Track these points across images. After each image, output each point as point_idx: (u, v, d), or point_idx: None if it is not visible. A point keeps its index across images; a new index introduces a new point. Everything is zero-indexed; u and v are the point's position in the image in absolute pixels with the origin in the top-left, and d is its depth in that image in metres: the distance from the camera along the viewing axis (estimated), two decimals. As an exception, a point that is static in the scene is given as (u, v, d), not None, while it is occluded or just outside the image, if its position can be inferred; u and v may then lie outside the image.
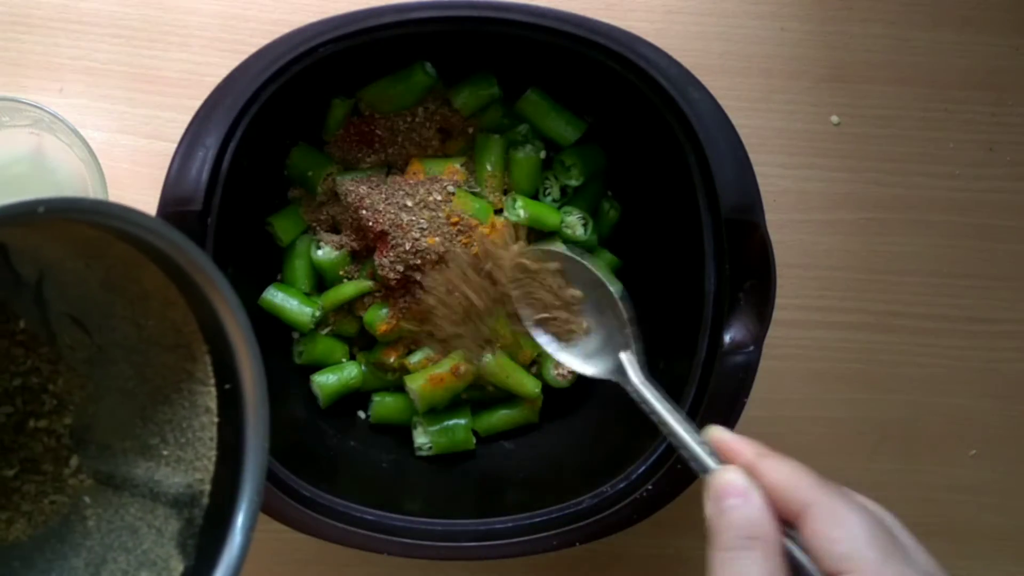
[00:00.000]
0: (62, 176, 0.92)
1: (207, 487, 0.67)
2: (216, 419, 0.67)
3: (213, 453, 0.67)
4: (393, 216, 0.86)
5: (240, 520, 0.64)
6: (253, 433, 0.65)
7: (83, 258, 0.66)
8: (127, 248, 0.63)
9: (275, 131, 0.85)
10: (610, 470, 0.81)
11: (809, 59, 0.99)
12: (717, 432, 0.66)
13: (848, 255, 0.99)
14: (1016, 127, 1.00)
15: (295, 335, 0.93)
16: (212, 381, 0.67)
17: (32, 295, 0.69)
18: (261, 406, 0.65)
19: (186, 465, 0.68)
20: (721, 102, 0.80)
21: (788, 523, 0.60)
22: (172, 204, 0.77)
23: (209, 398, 0.67)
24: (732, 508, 0.59)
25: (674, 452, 0.78)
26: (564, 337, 0.79)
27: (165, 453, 0.68)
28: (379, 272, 0.87)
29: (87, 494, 0.71)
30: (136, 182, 0.95)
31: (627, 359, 0.74)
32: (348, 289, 0.90)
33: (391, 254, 0.86)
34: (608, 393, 0.92)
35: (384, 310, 0.89)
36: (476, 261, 0.83)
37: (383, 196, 0.87)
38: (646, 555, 0.96)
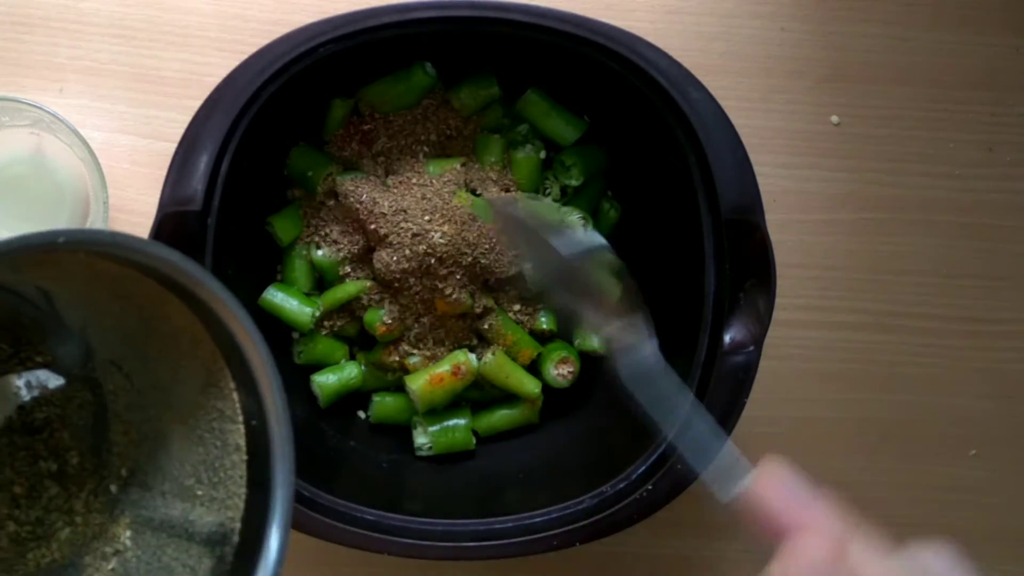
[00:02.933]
0: (62, 176, 0.92)
1: (237, 525, 0.67)
2: (245, 456, 0.67)
3: (243, 491, 0.67)
4: (393, 216, 0.86)
5: (269, 555, 0.64)
6: (280, 468, 0.65)
7: (117, 299, 0.66)
8: (153, 285, 0.63)
9: (275, 131, 0.85)
10: (610, 470, 0.81)
11: (809, 59, 0.99)
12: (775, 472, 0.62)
13: (848, 255, 0.99)
14: (1016, 127, 1.00)
15: (295, 335, 0.93)
16: (241, 418, 0.67)
17: (78, 344, 0.69)
18: (287, 440, 0.64)
19: (219, 504, 0.68)
20: (721, 102, 0.80)
21: None
22: (172, 204, 0.77)
23: (239, 435, 0.67)
24: (804, 548, 0.57)
25: (674, 453, 0.78)
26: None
27: (200, 493, 0.68)
28: (379, 272, 0.87)
29: (128, 537, 0.71)
30: (136, 182, 0.95)
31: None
32: (348, 289, 0.90)
33: (391, 254, 0.86)
34: (608, 393, 0.93)
35: (384, 310, 0.90)
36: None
37: (383, 196, 0.87)
38: (646, 555, 0.96)
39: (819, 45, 0.99)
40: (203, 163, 0.77)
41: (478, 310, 0.90)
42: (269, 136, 0.84)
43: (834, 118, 0.99)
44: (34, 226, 0.92)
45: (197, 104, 0.78)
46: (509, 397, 0.93)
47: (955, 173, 0.99)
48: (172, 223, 0.77)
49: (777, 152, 0.98)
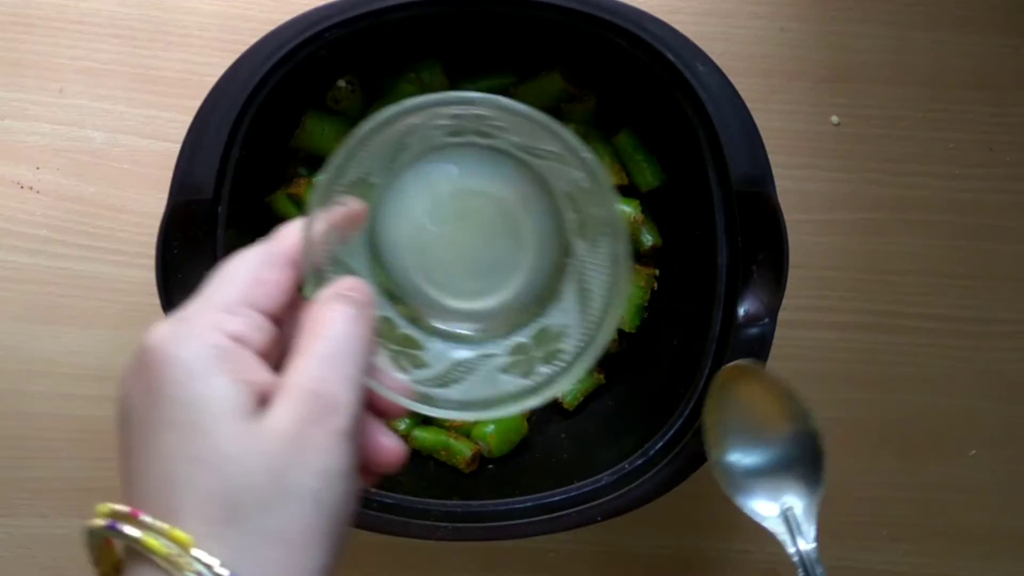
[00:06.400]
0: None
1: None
2: None
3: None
4: None
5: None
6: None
7: None
8: None
9: (283, 117, 0.85)
10: (628, 447, 0.81)
11: (809, 59, 1.00)
12: None
13: (848, 255, 0.99)
14: (1016, 127, 1.00)
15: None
16: None
17: None
18: None
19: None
20: (720, 102, 0.80)
21: None
22: (182, 193, 0.77)
23: None
24: None
25: (689, 429, 0.78)
26: None
27: None
28: None
29: None
30: (136, 182, 0.95)
31: None
32: None
33: None
34: (630, 374, 0.92)
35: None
36: None
37: None
38: (646, 555, 0.96)
39: (819, 45, 1.00)
40: (212, 152, 0.77)
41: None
42: (277, 122, 0.84)
43: (834, 118, 0.99)
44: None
45: (197, 104, 0.78)
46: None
47: (955, 173, 1.00)
48: (182, 213, 0.76)
49: (777, 152, 0.97)
